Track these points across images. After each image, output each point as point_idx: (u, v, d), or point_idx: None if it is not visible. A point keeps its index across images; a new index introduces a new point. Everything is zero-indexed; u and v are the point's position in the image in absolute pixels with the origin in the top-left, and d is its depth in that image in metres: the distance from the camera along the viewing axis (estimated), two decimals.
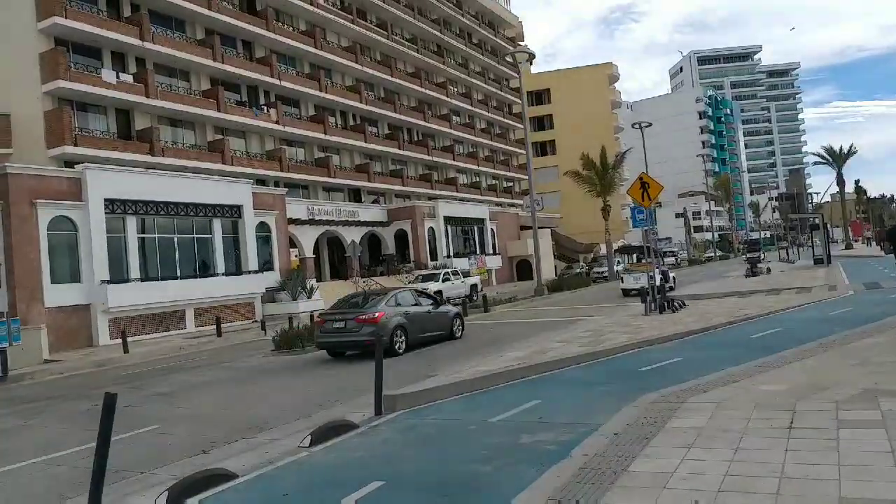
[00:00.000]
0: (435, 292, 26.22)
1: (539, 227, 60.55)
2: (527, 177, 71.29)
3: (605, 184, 36.61)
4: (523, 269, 55.16)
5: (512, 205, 63.54)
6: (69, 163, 27.36)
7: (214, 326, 24.63)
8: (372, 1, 48.57)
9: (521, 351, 11.08)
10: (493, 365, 9.72)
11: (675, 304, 16.80)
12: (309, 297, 32.10)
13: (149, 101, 31.76)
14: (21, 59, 28.77)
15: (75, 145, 28.43)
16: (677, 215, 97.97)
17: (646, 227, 17.60)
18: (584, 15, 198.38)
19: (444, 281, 32.61)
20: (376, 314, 13.60)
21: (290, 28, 41.78)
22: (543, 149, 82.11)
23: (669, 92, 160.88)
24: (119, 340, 24.22)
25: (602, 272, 44.53)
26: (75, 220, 24.09)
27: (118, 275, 25.12)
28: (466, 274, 38.60)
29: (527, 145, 31.89)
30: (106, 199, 24.90)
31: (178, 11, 34.52)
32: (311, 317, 27.08)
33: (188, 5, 34.38)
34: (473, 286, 35.00)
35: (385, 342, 11.67)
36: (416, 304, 15.10)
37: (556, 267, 59.54)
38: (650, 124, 46.27)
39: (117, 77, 30.66)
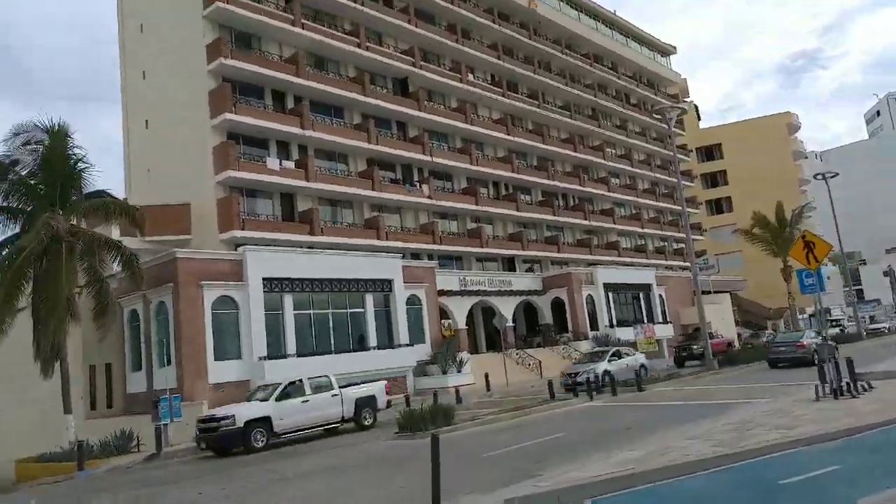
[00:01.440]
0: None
1: (717, 292, 56.40)
2: (701, 237, 67.03)
3: (781, 243, 32.77)
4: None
5: (684, 268, 59.36)
6: (238, 245, 29.57)
7: None
8: (522, 73, 49.07)
9: (636, 450, 9.40)
10: (587, 471, 8.23)
11: (861, 385, 13.86)
12: (459, 371, 31.52)
13: (309, 185, 33.88)
14: (199, 154, 32.09)
15: (242, 229, 30.80)
16: (884, 274, 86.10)
17: (815, 293, 14.94)
18: (763, 66, 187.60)
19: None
20: None
21: (442, 106, 43.15)
22: (719, 206, 76.91)
23: (867, 138, 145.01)
24: None
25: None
26: (237, 299, 25.69)
27: (275, 351, 26.25)
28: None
29: (681, 202, 29.57)
30: (264, 279, 26.40)
31: (337, 100, 36.93)
32: (457, 391, 26.59)
33: (345, 93, 36.73)
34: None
35: None
36: None
37: (739, 335, 54.12)
38: (835, 174, 41.34)
39: (280, 164, 33.14)
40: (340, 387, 20.10)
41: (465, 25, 45.52)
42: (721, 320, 51.74)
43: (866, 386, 14.11)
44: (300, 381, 19.47)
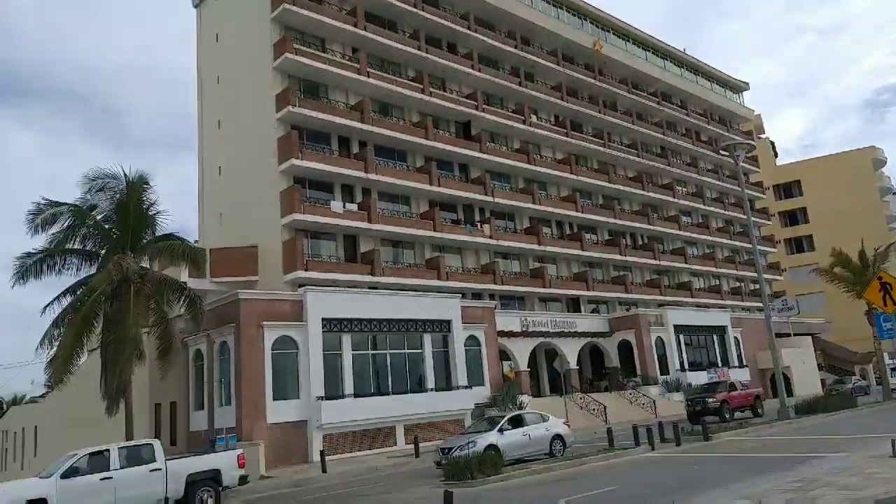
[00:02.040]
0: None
1: (797, 335, 53.43)
2: (780, 277, 63.97)
3: (864, 283, 30.70)
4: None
5: (761, 309, 56.52)
6: (301, 285, 30.13)
7: (419, 444, 24.35)
8: (587, 113, 48.77)
9: None
10: None
11: None
12: None
13: (371, 226, 34.38)
14: (267, 198, 33.18)
15: (306, 270, 31.43)
16: None
17: (894, 338, 13.80)
18: (846, 101, 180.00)
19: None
20: None
21: (504, 148, 43.25)
22: (799, 245, 73.50)
23: None
24: (331, 457, 25.26)
25: (864, 386, 36.94)
26: (296, 339, 26.04)
27: (333, 391, 26.35)
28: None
29: (752, 239, 28.09)
30: (324, 319, 26.69)
31: (400, 144, 37.62)
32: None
33: (409, 137, 37.38)
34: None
35: None
36: None
37: (823, 381, 50.88)
38: None
39: (344, 207, 33.83)
40: (171, 458, 15.84)
41: (528, 69, 45.80)
42: (802, 364, 49.00)
43: None
44: (106, 450, 14.83)
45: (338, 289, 29.14)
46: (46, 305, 22.94)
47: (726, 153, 27.64)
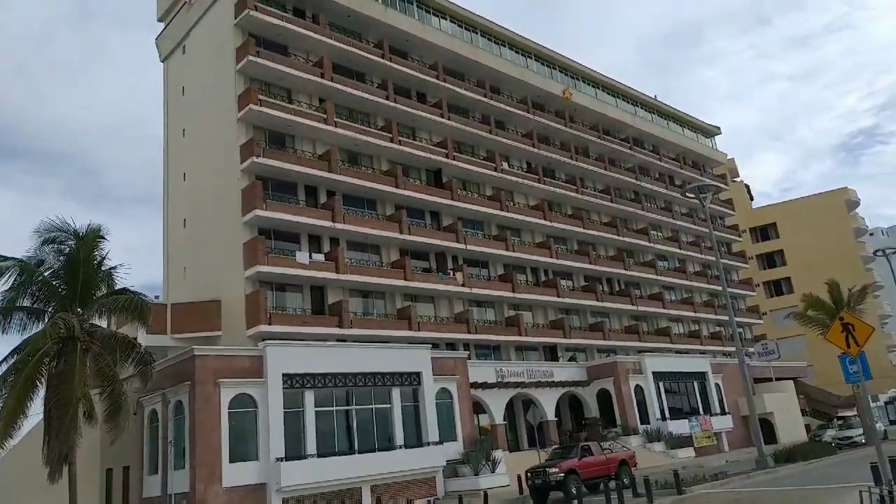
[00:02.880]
0: None
1: (780, 379, 52.70)
2: (759, 321, 63.58)
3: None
4: (764, 429, 46.89)
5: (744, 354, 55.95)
6: (264, 339, 29.13)
7: None
8: (559, 159, 48.88)
9: None
10: None
11: None
12: (493, 471, 29.59)
13: (339, 277, 33.64)
14: (230, 250, 32.48)
15: (269, 323, 30.52)
16: None
17: (859, 382, 13.21)
18: (820, 144, 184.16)
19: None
20: None
21: (476, 195, 43.03)
22: (778, 287, 73.56)
23: None
24: None
25: (848, 437, 35.99)
26: (255, 396, 24.99)
27: (294, 450, 25.17)
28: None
29: (722, 283, 27.80)
30: (284, 375, 25.70)
31: (369, 192, 37.24)
32: (485, 495, 24.70)
33: (378, 186, 37.04)
34: None
35: None
36: None
37: (807, 427, 50.00)
38: None
39: (310, 257, 33.16)
40: None
41: (498, 116, 46.00)
42: (786, 409, 48.21)
43: None
44: None
45: (300, 343, 28.26)
46: None
47: (692, 195, 27.44)
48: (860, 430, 35.55)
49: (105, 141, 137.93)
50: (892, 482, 11.80)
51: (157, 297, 34.25)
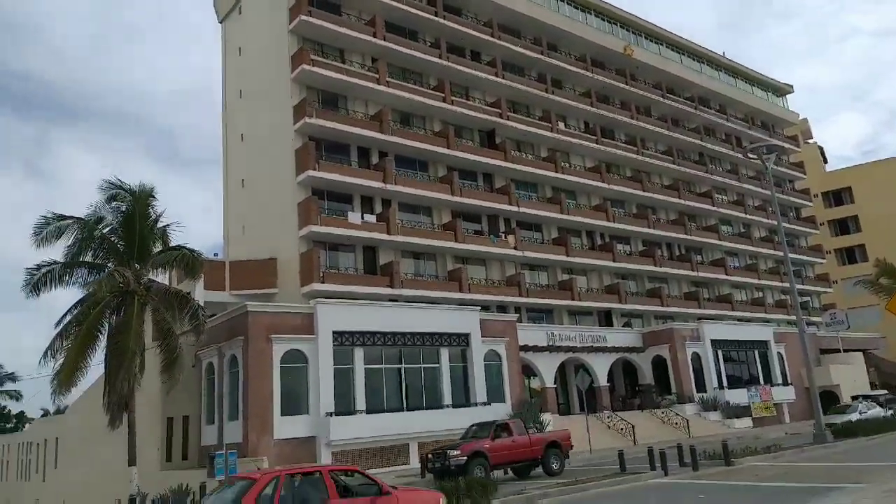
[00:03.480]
0: None
1: (848, 350, 50.45)
2: (829, 290, 60.78)
3: None
4: (828, 401, 45.18)
5: (810, 323, 53.83)
6: (318, 297, 29.58)
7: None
8: (619, 119, 47.35)
9: None
10: None
11: None
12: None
13: (391, 238, 33.78)
14: (285, 210, 32.96)
15: (322, 282, 30.98)
16: None
17: None
18: None
19: None
20: None
21: (530, 156, 42.20)
22: (850, 256, 69.92)
23: None
24: None
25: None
26: (306, 353, 25.53)
27: (344, 406, 25.70)
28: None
29: (783, 247, 26.18)
30: (335, 332, 26.14)
31: (421, 154, 37.01)
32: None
33: (430, 147, 36.74)
34: None
35: None
36: None
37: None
38: None
39: (362, 218, 33.34)
40: None
41: (555, 75, 44.76)
42: (853, 382, 46.23)
43: None
44: None
45: (350, 301, 28.55)
46: (59, 320, 23.03)
47: (755, 156, 26.08)
48: None
49: (181, 104, 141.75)
50: None
51: (216, 254, 35.28)
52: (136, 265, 22.30)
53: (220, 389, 26.12)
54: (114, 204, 22.98)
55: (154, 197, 22.95)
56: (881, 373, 54.17)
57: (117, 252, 22.86)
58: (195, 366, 27.93)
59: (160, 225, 23.36)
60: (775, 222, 55.92)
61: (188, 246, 24.63)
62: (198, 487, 18.95)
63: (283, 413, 24.52)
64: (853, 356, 49.16)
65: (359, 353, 26.70)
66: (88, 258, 23.09)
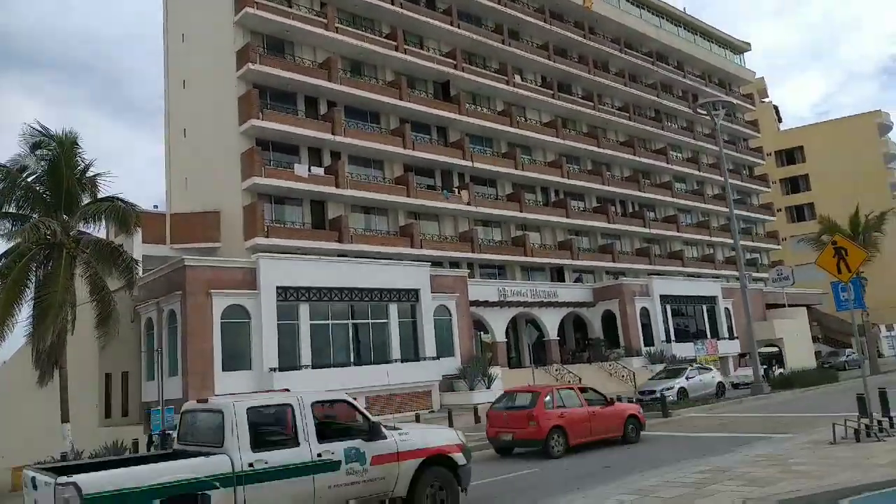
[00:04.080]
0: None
1: (793, 305, 51.86)
2: (778, 246, 62.15)
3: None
4: (773, 355, 46.50)
5: (758, 279, 55.11)
6: (262, 252, 28.78)
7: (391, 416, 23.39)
8: (576, 73, 46.78)
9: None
10: None
11: (891, 425, 11.36)
12: (488, 387, 29.72)
13: (340, 192, 33.01)
14: (228, 161, 31.85)
15: (267, 236, 30.20)
16: None
17: (849, 309, 12.43)
18: (861, 67, 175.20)
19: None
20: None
21: (486, 110, 41.49)
22: (800, 213, 71.48)
23: None
24: None
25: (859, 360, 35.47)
26: (248, 308, 24.93)
27: (289, 362, 25.30)
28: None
29: (729, 204, 26.42)
30: (279, 287, 25.54)
31: (372, 105, 36.02)
32: (475, 410, 24.88)
33: (381, 98, 35.74)
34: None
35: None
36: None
37: (818, 353, 49.52)
38: None
39: (309, 170, 32.43)
40: None
41: (512, 26, 43.80)
42: (796, 336, 47.53)
43: None
44: None
45: (295, 256, 27.88)
46: None
47: (704, 111, 25.92)
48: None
49: (127, 51, 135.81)
50: (872, 414, 11.24)
51: (156, 206, 34.04)
52: (65, 216, 21.30)
53: (159, 345, 25.41)
54: (38, 152, 21.82)
55: (78, 145, 21.78)
56: (823, 327, 56.01)
57: (43, 203, 21.71)
58: (134, 321, 27.11)
59: (90, 174, 22.34)
60: (730, 181, 56.85)
61: (122, 197, 23.76)
62: (130, 444, 18.38)
63: (224, 369, 24.01)
64: (797, 311, 50.49)
65: (304, 309, 26.20)
66: (12, 209, 22.00)
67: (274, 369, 24.63)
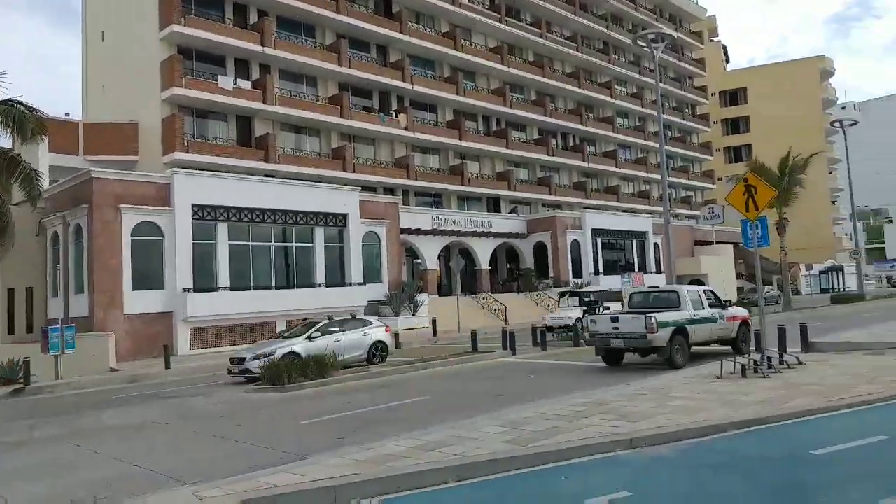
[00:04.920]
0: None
1: (720, 243, 53.30)
2: (712, 185, 63.31)
3: (780, 194, 29.61)
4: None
5: (690, 216, 56.20)
6: (182, 167, 27.36)
7: None
8: None
9: (404, 440, 7.27)
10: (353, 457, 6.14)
11: (788, 360, 11.55)
12: (413, 314, 29.67)
13: (268, 108, 31.47)
14: (148, 69, 29.80)
15: (187, 151, 28.72)
16: None
17: (752, 247, 12.40)
18: (814, 13, 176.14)
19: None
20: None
21: (430, 31, 39.87)
22: (738, 154, 72.64)
23: None
24: (198, 350, 23.76)
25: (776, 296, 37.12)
26: (161, 225, 23.76)
27: (206, 283, 24.44)
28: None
29: (661, 139, 26.17)
30: (195, 205, 24.37)
31: (307, 17, 34.08)
32: (396, 336, 24.70)
33: (316, 10, 33.82)
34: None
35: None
36: None
37: (740, 290, 51.37)
38: (854, 122, 37.77)
39: (234, 83, 30.70)
40: None
41: None
42: (720, 273, 48.99)
43: (795, 361, 11.74)
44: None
45: (215, 174, 26.60)
46: None
47: (643, 44, 25.31)
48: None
49: None
50: (765, 350, 11.37)
51: (67, 114, 31.77)
52: None
53: (64, 261, 24.14)
54: None
55: None
56: (748, 265, 57.87)
57: None
58: (40, 235, 25.61)
59: None
60: (671, 118, 56.96)
61: (21, 100, 21.93)
62: (22, 362, 17.50)
63: (134, 288, 23.01)
64: (724, 248, 51.90)
65: (223, 229, 25.16)
66: None
67: (188, 290, 23.76)
